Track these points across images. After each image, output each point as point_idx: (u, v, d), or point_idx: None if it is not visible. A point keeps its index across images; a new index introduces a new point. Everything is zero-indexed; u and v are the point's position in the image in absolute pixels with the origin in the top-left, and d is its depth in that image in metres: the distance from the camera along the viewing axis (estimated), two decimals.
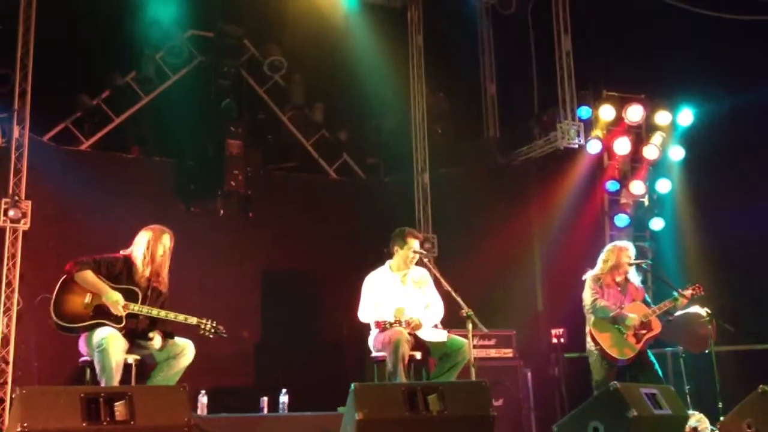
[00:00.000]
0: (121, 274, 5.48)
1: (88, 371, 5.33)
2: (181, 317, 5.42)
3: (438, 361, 5.91)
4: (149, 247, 5.53)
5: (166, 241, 5.59)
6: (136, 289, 5.45)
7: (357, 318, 6.14)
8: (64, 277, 5.39)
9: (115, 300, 5.30)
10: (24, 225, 7.60)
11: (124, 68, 8.90)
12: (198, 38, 9.32)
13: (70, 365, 5.88)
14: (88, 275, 5.36)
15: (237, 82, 9.20)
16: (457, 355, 5.77)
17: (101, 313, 5.32)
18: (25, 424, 3.78)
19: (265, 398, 6.79)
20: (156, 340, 5.40)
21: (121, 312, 5.30)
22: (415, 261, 6.12)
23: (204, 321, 5.50)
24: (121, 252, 5.61)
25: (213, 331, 5.50)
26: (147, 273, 5.52)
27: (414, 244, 6.08)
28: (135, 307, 5.37)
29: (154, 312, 5.39)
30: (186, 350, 5.41)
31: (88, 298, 5.34)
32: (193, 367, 5.54)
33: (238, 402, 7.02)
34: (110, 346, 5.13)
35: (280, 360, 8.43)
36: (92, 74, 8.63)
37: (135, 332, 5.42)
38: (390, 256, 6.21)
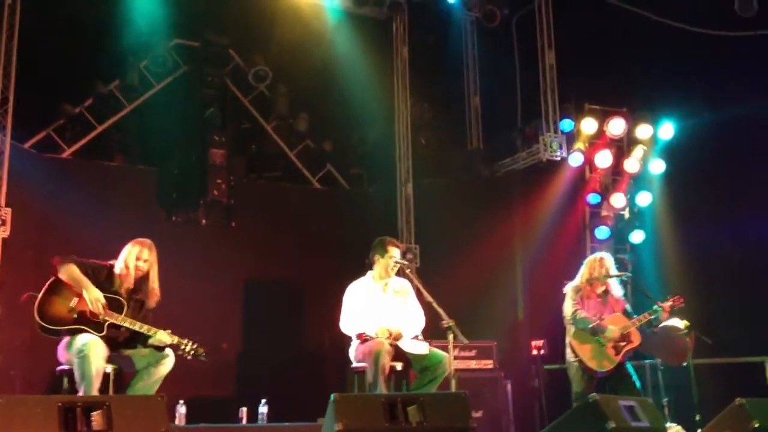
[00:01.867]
0: (105, 281, 5.47)
1: (66, 380, 5.30)
2: (163, 335, 5.39)
3: (418, 373, 5.90)
4: (124, 259, 5.55)
5: (143, 254, 5.57)
6: (123, 300, 5.44)
7: (339, 329, 6.13)
8: (53, 278, 5.35)
9: (95, 297, 5.29)
10: (4, 232, 7.55)
11: (107, 76, 8.90)
12: (183, 47, 9.32)
13: (47, 374, 5.84)
14: (73, 269, 5.35)
15: (221, 91, 9.21)
16: (438, 368, 5.76)
17: (84, 320, 5.30)
18: None
19: (245, 408, 6.76)
20: (160, 334, 5.38)
21: (100, 310, 5.28)
22: (396, 270, 6.12)
23: (185, 342, 5.48)
24: (109, 262, 5.61)
25: (192, 353, 5.48)
26: (128, 284, 5.53)
27: (394, 252, 6.09)
28: (118, 318, 5.35)
29: (137, 326, 5.37)
30: (165, 358, 5.40)
31: (73, 302, 5.31)
32: (172, 377, 5.52)
33: (217, 412, 6.98)
34: (91, 352, 5.12)
35: (260, 370, 8.41)
36: (75, 82, 8.60)
37: (115, 342, 5.40)
38: (372, 266, 6.22)
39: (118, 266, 5.55)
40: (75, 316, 5.31)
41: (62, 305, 5.32)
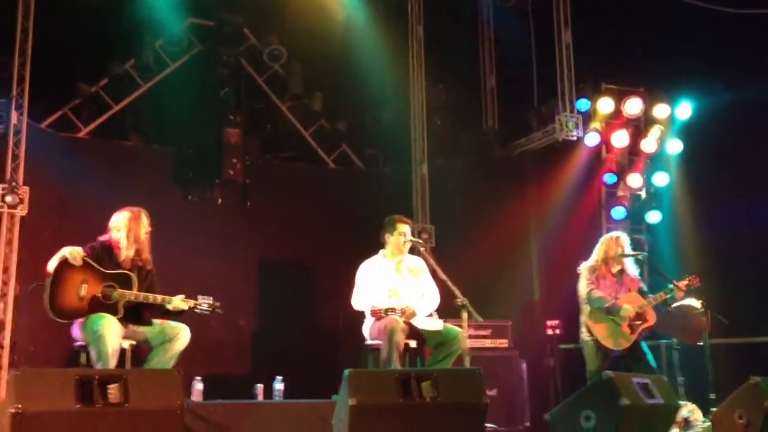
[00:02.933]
0: (102, 259, 5.41)
1: (84, 355, 5.30)
2: (177, 301, 5.39)
3: (433, 350, 5.90)
4: (131, 229, 5.48)
5: (146, 221, 5.55)
6: (131, 275, 5.41)
7: (353, 307, 6.15)
8: (47, 276, 5.25)
9: (72, 251, 5.24)
10: (21, 211, 7.63)
11: (122, 56, 8.91)
12: (197, 26, 9.32)
13: (65, 349, 5.89)
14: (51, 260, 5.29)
15: (236, 70, 9.23)
16: (452, 344, 5.77)
17: (98, 305, 5.28)
18: (20, 406, 3.79)
19: (260, 385, 6.82)
20: (175, 301, 5.39)
21: (79, 262, 5.25)
22: (408, 247, 6.12)
23: (199, 301, 5.47)
24: (99, 238, 5.54)
25: (210, 310, 5.49)
26: (129, 254, 5.49)
27: (404, 229, 6.09)
28: (131, 295, 5.34)
29: (151, 299, 5.37)
30: (181, 334, 5.38)
31: (83, 291, 5.27)
32: (189, 354, 5.53)
33: (233, 389, 7.04)
34: (107, 331, 5.11)
35: (276, 348, 8.46)
36: (91, 61, 8.61)
37: (130, 320, 5.39)
38: (384, 245, 6.22)
39: (122, 236, 5.47)
40: (87, 305, 5.27)
41: (71, 295, 5.26)
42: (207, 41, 9.24)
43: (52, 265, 5.27)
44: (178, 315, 5.49)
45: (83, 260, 5.31)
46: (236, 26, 9.08)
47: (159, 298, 5.40)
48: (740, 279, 8.06)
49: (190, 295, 5.51)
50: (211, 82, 8.98)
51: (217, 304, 5.53)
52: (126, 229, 5.51)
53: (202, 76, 9.08)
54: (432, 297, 6.09)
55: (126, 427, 3.97)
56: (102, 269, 5.37)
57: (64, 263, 5.28)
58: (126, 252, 5.49)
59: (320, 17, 9.30)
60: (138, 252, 5.53)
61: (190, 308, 5.46)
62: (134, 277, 5.43)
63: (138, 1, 8.43)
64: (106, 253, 5.47)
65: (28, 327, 7.47)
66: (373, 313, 5.93)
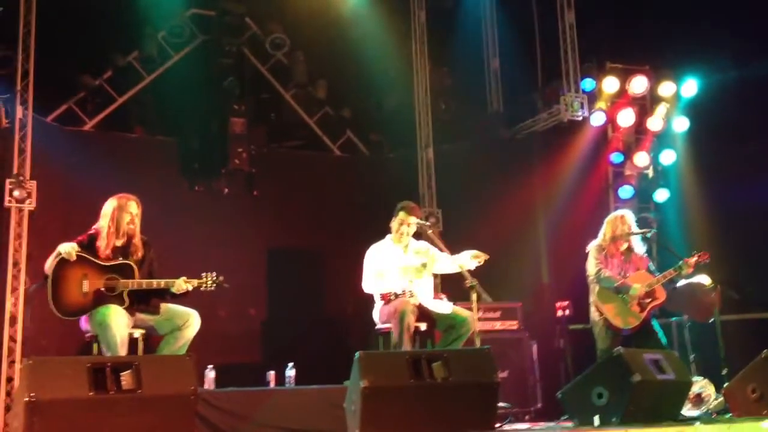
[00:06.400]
0: (94, 250, 5.39)
1: (95, 346, 5.31)
2: (180, 283, 5.40)
3: (443, 333, 5.90)
4: (113, 218, 5.45)
5: (133, 208, 5.52)
6: (131, 263, 5.40)
7: (362, 293, 6.13)
8: (45, 277, 5.29)
9: (67, 249, 5.24)
10: (29, 205, 7.64)
11: (126, 48, 8.91)
12: (199, 17, 9.29)
13: (77, 341, 5.91)
14: (48, 261, 5.29)
15: (239, 60, 9.20)
16: (462, 327, 5.76)
17: (102, 298, 5.28)
18: (33, 394, 3.82)
19: (272, 372, 6.83)
20: (177, 284, 5.39)
21: (73, 257, 5.24)
22: (409, 235, 6.08)
23: (202, 280, 5.50)
24: (89, 232, 5.52)
25: (214, 285, 5.51)
26: (118, 243, 5.46)
27: (409, 219, 6.02)
28: (134, 283, 5.33)
29: (154, 284, 5.38)
30: (191, 320, 5.38)
31: (85, 286, 5.28)
32: (201, 344, 5.55)
33: (245, 377, 7.06)
34: (113, 321, 5.13)
35: (286, 336, 8.49)
36: (94, 54, 8.62)
37: (136, 306, 5.40)
38: (391, 230, 6.21)
39: (105, 227, 5.44)
40: (92, 300, 5.27)
41: (75, 292, 5.27)
42: (209, 31, 9.21)
43: (49, 266, 5.29)
44: (183, 297, 5.48)
45: (78, 255, 5.30)
46: (238, 15, 9.04)
47: (162, 282, 5.40)
48: (749, 255, 8.04)
49: (193, 276, 5.50)
50: (214, 72, 8.96)
51: (221, 278, 5.55)
52: (109, 218, 5.47)
53: (205, 67, 9.07)
54: (445, 257, 5.96)
55: (139, 413, 3.99)
56: (100, 262, 5.36)
57: (62, 262, 5.27)
58: (116, 241, 5.45)
59: (322, 4, 9.27)
60: (129, 240, 5.50)
61: (194, 288, 5.46)
62: (134, 265, 5.42)
63: None
64: (96, 244, 5.43)
65: (38, 321, 7.49)
66: (383, 296, 5.93)
